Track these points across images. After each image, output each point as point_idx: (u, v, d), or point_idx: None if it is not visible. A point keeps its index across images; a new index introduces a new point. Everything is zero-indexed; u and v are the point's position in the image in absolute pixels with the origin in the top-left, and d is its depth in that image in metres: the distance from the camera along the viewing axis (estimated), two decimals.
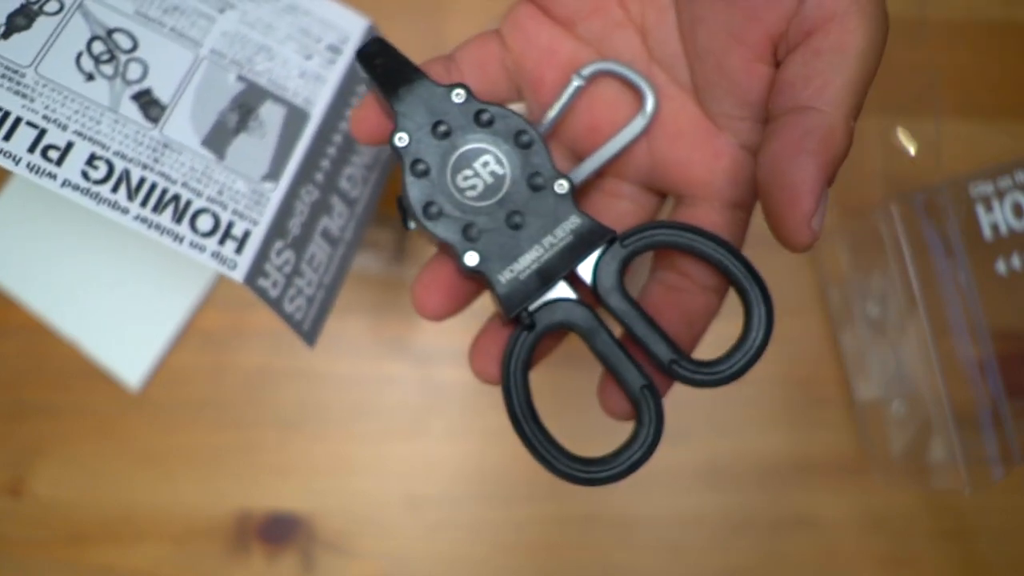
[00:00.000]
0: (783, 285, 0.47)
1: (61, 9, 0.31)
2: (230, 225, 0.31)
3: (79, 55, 0.31)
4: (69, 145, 0.29)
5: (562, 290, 0.26)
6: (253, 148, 0.32)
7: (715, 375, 0.26)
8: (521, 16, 0.28)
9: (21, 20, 0.30)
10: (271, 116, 0.33)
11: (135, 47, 0.32)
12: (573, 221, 0.26)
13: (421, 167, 0.26)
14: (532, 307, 0.26)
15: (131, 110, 0.31)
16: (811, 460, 0.45)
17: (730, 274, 0.26)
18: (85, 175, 0.29)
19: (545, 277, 0.26)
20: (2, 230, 0.46)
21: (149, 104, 0.31)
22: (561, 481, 0.47)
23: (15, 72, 0.29)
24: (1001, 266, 0.42)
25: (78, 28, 0.31)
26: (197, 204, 0.31)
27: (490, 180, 0.26)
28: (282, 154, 0.33)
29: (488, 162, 0.26)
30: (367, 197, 0.37)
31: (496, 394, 0.46)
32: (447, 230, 0.26)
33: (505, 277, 0.26)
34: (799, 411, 0.46)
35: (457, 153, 0.26)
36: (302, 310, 0.34)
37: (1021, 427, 0.40)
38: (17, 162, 0.28)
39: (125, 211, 0.30)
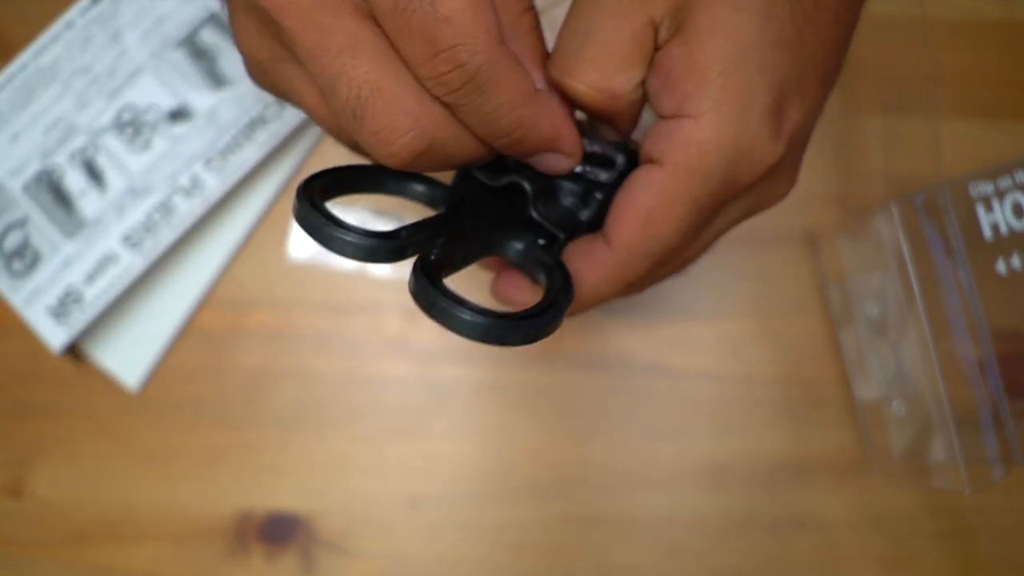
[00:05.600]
0: (783, 285, 0.47)
1: None
2: None
3: None
4: None
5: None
6: None
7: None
8: None
9: None
10: None
11: None
12: None
13: None
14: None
15: None
16: (811, 460, 0.45)
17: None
18: None
19: None
20: None
21: None
22: (562, 481, 0.47)
23: None
24: (1001, 266, 0.42)
25: None
26: None
27: None
28: None
29: None
30: None
31: (497, 394, 0.46)
32: None
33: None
34: (799, 411, 0.46)
35: None
36: None
37: (1021, 427, 0.40)
38: None
39: None
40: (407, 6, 0.21)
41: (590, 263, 0.26)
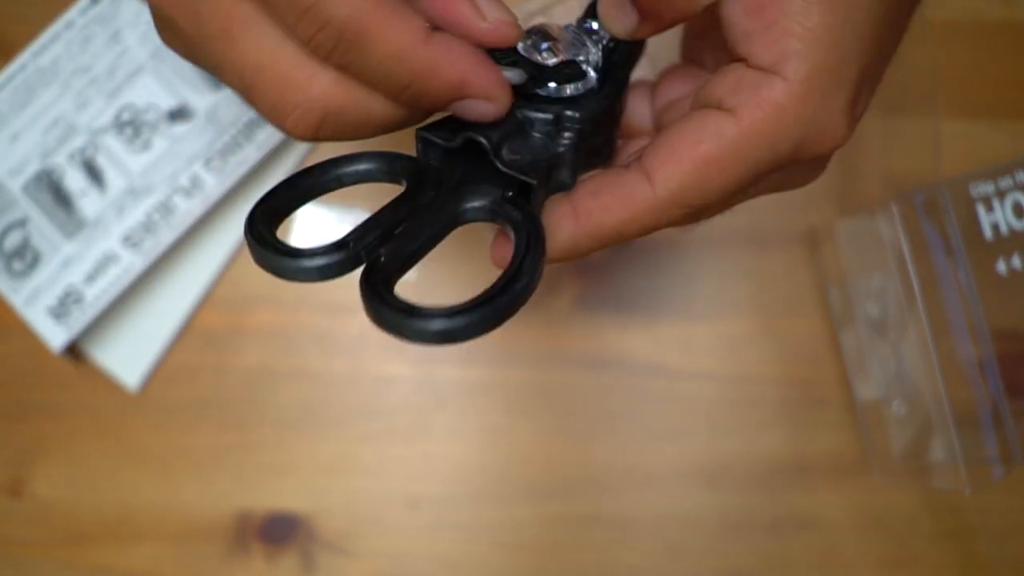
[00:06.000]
0: (783, 285, 0.47)
1: None
2: None
3: None
4: None
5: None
6: None
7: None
8: None
9: None
10: None
11: None
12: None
13: None
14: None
15: None
16: (811, 460, 0.45)
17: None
18: None
19: None
20: None
21: None
22: (562, 481, 0.47)
23: None
24: (1001, 266, 0.42)
25: None
26: None
27: None
28: None
29: None
30: None
31: (496, 394, 0.46)
32: None
33: None
34: (799, 411, 0.46)
35: None
36: None
37: (1021, 427, 0.40)
38: None
39: None
40: None
41: (623, 199, 0.24)
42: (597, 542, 0.45)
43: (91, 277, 0.43)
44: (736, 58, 0.24)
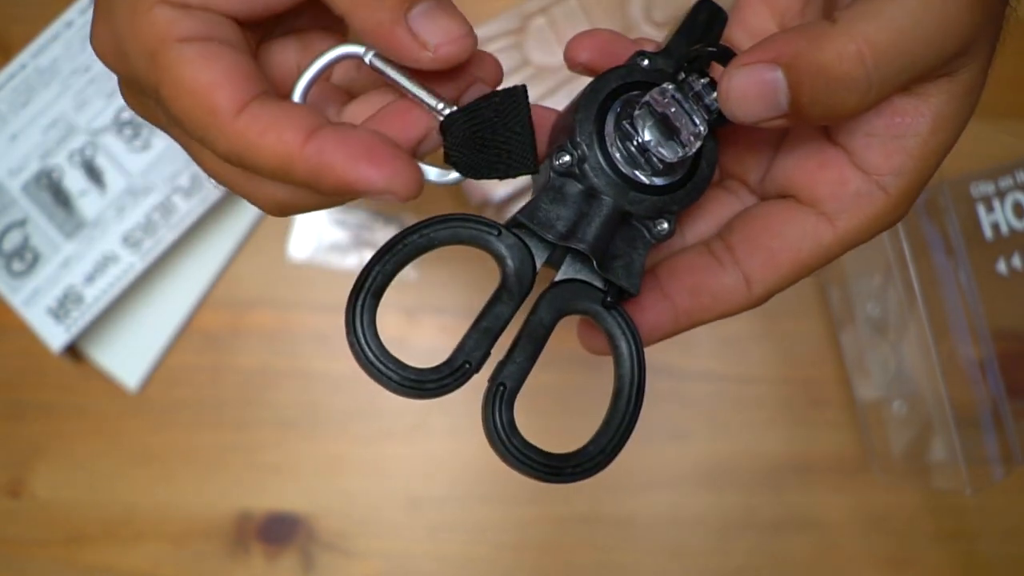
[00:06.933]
0: None
1: None
2: None
3: None
4: None
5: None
6: None
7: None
8: None
9: None
10: None
11: None
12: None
13: None
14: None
15: None
16: (811, 460, 0.45)
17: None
18: None
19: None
20: None
21: None
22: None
23: None
24: (1002, 266, 0.42)
25: None
26: None
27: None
28: None
29: None
30: None
31: None
32: None
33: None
34: (799, 411, 0.46)
35: None
36: None
37: (1021, 427, 0.40)
38: None
39: None
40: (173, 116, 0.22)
41: (722, 301, 0.25)
42: (598, 542, 0.45)
43: (91, 277, 0.43)
44: (836, 141, 0.23)
